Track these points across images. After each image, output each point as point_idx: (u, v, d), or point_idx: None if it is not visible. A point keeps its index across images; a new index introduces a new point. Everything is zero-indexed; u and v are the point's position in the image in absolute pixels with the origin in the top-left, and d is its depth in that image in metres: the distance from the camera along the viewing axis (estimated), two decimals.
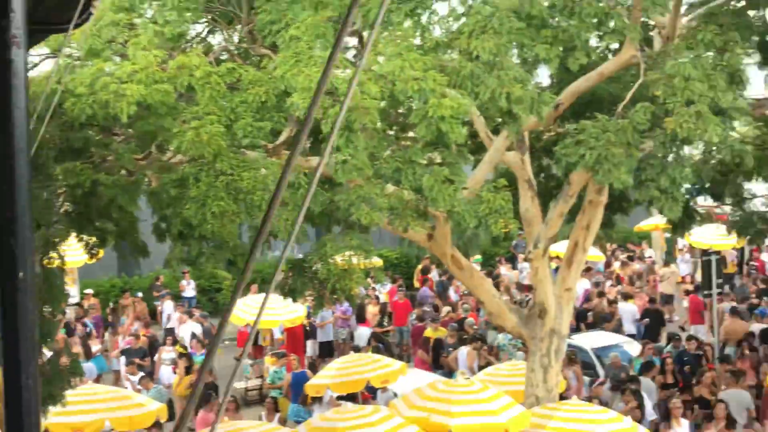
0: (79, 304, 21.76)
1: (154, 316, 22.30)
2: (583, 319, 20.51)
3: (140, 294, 23.13)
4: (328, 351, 19.58)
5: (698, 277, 21.34)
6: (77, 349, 16.88)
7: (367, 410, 11.50)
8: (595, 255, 26.56)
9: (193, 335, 17.65)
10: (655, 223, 26.06)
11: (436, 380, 13.39)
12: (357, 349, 17.86)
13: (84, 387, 13.48)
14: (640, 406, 13.71)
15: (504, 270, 26.88)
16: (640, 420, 12.91)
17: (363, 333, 19.73)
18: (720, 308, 19.57)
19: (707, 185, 17.61)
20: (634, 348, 17.47)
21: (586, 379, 15.75)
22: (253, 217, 8.56)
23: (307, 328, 19.96)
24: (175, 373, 16.41)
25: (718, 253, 20.87)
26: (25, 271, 2.17)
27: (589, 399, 13.89)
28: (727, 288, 22.92)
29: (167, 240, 10.25)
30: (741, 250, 25.98)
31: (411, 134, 10.38)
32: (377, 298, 22.14)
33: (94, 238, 12.80)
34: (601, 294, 22.16)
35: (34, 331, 2.24)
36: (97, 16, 9.34)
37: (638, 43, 10.11)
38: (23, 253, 2.17)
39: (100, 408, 12.26)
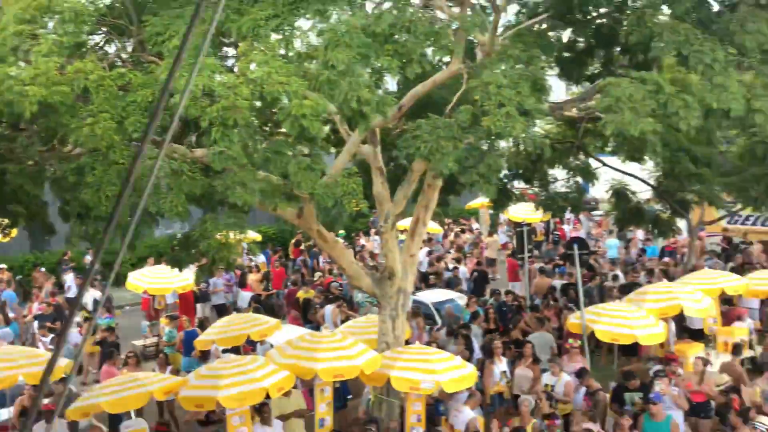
0: None
1: (62, 287, 21.49)
2: (425, 280, 20.85)
3: (43, 269, 22.55)
4: (222, 313, 19.29)
5: (514, 244, 21.93)
6: None
7: (246, 359, 11.36)
8: (434, 228, 27.07)
9: (95, 301, 17.06)
10: (481, 201, 26.77)
11: (305, 333, 13.36)
12: (239, 310, 17.68)
13: (1, 348, 13.04)
14: (469, 348, 14.09)
15: (363, 242, 27.09)
16: (469, 358, 13.27)
17: (245, 297, 19.51)
18: (531, 268, 20.29)
19: (521, 171, 18.20)
20: (463, 301, 17.92)
21: (427, 327, 16.03)
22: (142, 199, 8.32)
23: (197, 293, 19.57)
24: (81, 334, 15.85)
25: (529, 225, 21.59)
26: None
27: (429, 343, 14.17)
28: (536, 252, 23.85)
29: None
30: (547, 223, 27.12)
31: (283, 130, 10.24)
32: (257, 267, 21.94)
33: (6, 220, 12.26)
34: (439, 259, 22.61)
35: None
36: (1, 27, 8.84)
37: (463, 57, 10.32)
38: None
39: (14, 365, 11.71)
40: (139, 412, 11.62)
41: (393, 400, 12.08)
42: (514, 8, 12.77)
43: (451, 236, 27.82)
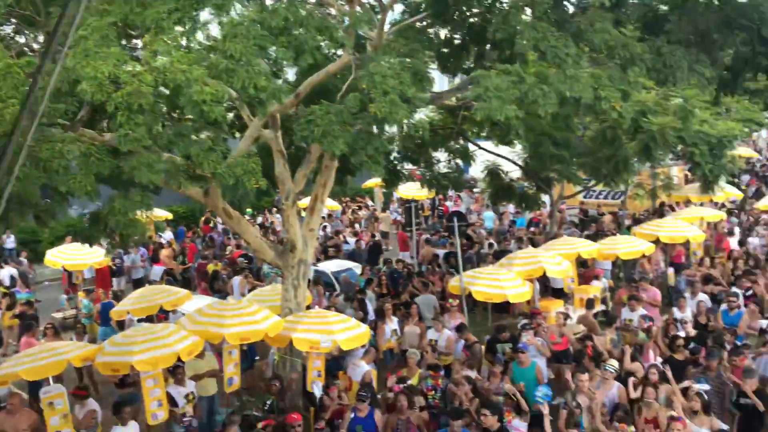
0: None
1: None
2: (325, 252, 20.81)
3: None
4: (139, 286, 18.63)
5: (404, 218, 22.14)
6: None
7: (158, 327, 11.04)
8: (334, 205, 27.04)
9: (12, 277, 16.21)
10: (375, 181, 26.84)
11: (214, 301, 13.10)
12: (152, 283, 17.17)
13: None
14: (364, 310, 14.19)
15: (269, 218, 26.79)
16: (363, 319, 13.37)
17: (157, 271, 18.97)
18: (418, 239, 20.59)
19: (409, 154, 18.36)
20: (359, 270, 18.00)
21: (327, 294, 16.03)
22: (52, 180, 7.94)
23: (114, 267, 18.89)
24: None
25: (416, 201, 21.88)
26: None
27: (328, 308, 14.16)
28: (423, 225, 24.18)
29: None
30: (432, 199, 27.49)
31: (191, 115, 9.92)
32: (168, 243, 21.37)
33: None
34: (338, 233, 22.60)
35: None
36: None
37: (353, 49, 10.24)
38: None
39: None
40: (59, 379, 11.14)
41: (295, 359, 12.04)
42: (399, 7, 12.83)
43: (349, 213, 27.86)
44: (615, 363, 10.33)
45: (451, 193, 27.90)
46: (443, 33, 12.74)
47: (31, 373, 10.16)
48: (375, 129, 9.25)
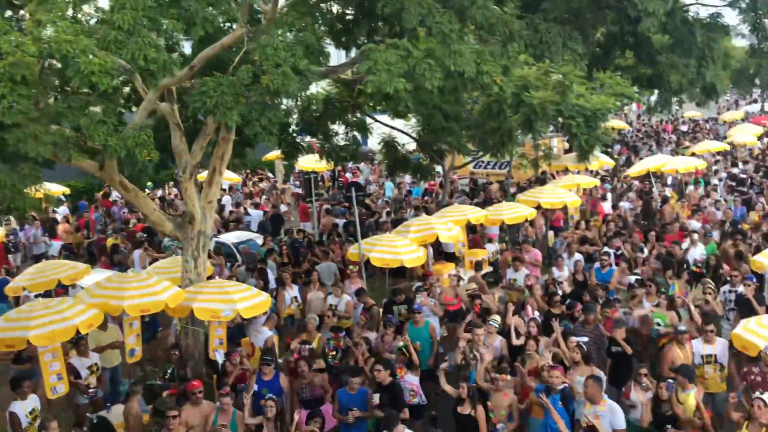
0: None
1: None
2: (225, 226, 20.40)
3: None
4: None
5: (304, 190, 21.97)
6: None
7: (55, 301, 10.50)
8: (234, 177, 26.53)
9: None
10: (275, 153, 26.46)
11: (112, 274, 12.63)
12: (50, 258, 16.34)
13: None
14: (265, 279, 14.09)
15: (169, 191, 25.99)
16: (264, 288, 13.29)
17: (55, 246, 18.08)
18: (319, 210, 20.58)
19: (307, 127, 18.24)
20: (260, 241, 17.82)
21: (228, 264, 15.79)
22: None
23: (8, 244, 17.85)
24: None
25: (316, 173, 21.79)
26: None
27: (230, 278, 13.98)
28: (324, 196, 24.14)
29: None
30: (332, 171, 27.33)
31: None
32: (65, 218, 20.37)
33: None
34: (238, 204, 22.23)
35: None
36: None
37: (246, 22, 10.01)
38: None
39: None
40: None
41: (197, 328, 11.85)
42: None
43: (250, 185, 27.42)
44: (498, 318, 10.76)
45: (350, 164, 27.97)
46: (335, 8, 12.64)
47: None
48: (269, 101, 9.08)
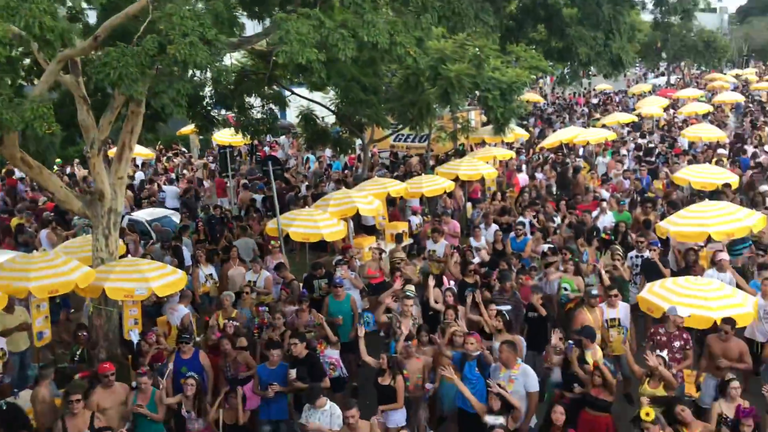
0: None
1: None
2: (138, 203, 19.79)
3: None
4: None
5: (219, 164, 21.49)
6: None
7: None
8: (147, 153, 25.72)
9: None
10: (191, 128, 25.77)
11: (16, 255, 12.05)
12: None
13: None
14: (180, 257, 13.81)
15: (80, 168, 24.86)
16: (180, 266, 13.03)
17: None
18: (237, 185, 20.25)
19: (222, 100, 17.84)
20: (177, 218, 17.41)
21: (143, 242, 15.36)
22: None
23: None
24: None
25: (233, 147, 21.38)
26: None
27: (144, 256, 13.62)
28: (242, 171, 23.68)
29: None
30: (250, 145, 26.73)
31: None
32: None
33: None
34: (152, 181, 21.59)
35: None
36: None
37: None
38: None
39: None
40: None
41: (110, 308, 11.52)
42: None
43: (164, 160, 26.64)
44: (412, 288, 10.96)
45: (269, 138, 27.54)
46: None
47: None
48: (177, 72, 8.79)
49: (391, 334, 9.88)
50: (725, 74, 48.65)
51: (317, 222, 13.84)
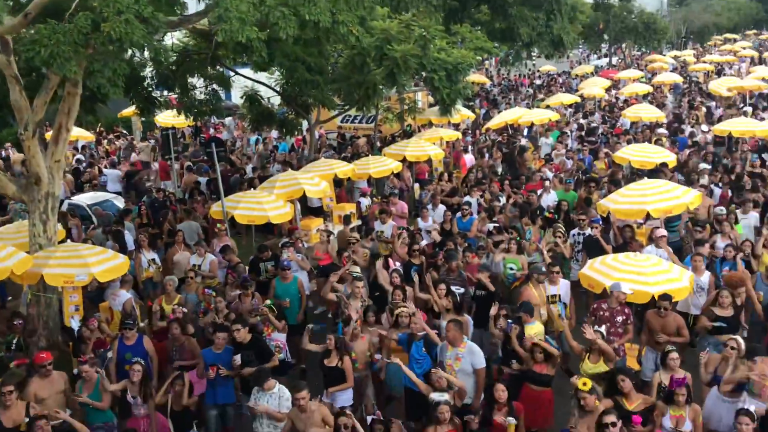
0: None
1: None
2: (80, 187, 19.22)
3: None
4: None
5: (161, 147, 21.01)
6: None
7: None
8: (86, 135, 24.99)
9: None
10: (132, 109, 25.09)
11: None
12: None
13: None
14: (121, 242, 13.51)
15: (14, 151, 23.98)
16: (121, 250, 12.73)
17: None
18: (182, 168, 19.84)
19: (164, 80, 17.41)
20: (119, 202, 16.99)
21: (84, 227, 14.94)
22: None
23: None
24: None
25: (176, 128, 20.91)
26: None
27: (85, 241, 13.25)
28: (186, 153, 23.18)
29: None
30: (194, 126, 26.16)
31: None
32: None
33: None
34: (92, 165, 20.98)
35: None
36: None
37: None
38: None
39: None
40: None
41: (50, 295, 11.19)
42: None
43: (105, 143, 25.89)
44: (357, 268, 10.97)
45: (214, 120, 27.04)
46: None
47: None
48: (113, 50, 8.50)
49: (339, 314, 9.86)
50: (664, 55, 49.89)
51: (263, 204, 13.70)
